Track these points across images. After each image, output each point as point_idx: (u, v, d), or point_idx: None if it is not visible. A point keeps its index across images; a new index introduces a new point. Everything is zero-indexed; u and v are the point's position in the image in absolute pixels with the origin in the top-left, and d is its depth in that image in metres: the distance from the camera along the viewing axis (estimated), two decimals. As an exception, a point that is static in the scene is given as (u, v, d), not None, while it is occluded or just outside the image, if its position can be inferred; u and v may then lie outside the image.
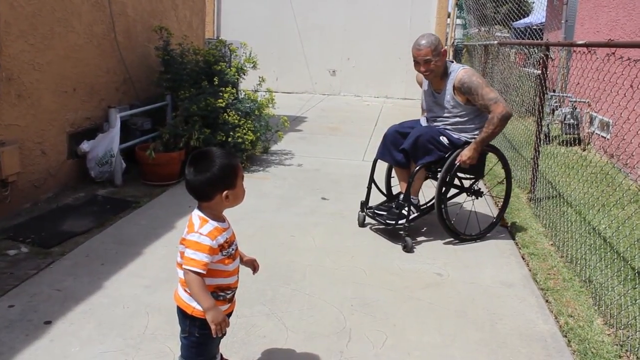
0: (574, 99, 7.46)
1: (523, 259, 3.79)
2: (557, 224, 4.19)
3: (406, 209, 4.00)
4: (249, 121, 5.74)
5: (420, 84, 4.28)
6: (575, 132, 7.41)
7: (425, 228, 4.28)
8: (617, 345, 2.73)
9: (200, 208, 2.06)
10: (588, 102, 7.04)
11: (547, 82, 4.94)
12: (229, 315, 2.15)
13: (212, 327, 1.98)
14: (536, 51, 7.29)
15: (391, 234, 4.08)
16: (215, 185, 1.99)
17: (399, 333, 2.78)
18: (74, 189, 4.89)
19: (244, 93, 6.21)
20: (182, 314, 2.09)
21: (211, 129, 5.42)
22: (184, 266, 1.97)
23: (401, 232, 3.90)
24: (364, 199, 4.31)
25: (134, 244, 3.75)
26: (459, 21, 13.89)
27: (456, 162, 3.87)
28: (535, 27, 11.48)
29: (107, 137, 4.98)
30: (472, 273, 3.53)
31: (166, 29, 5.96)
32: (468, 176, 4.29)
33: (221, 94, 5.56)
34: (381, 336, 2.75)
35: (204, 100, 5.44)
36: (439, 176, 3.97)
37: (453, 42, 12.92)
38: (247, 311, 2.91)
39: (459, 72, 3.88)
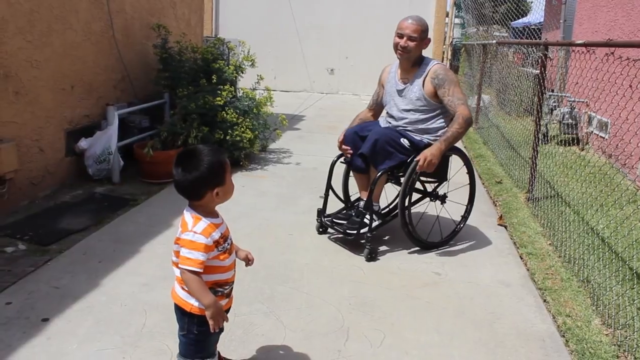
0: (573, 99, 7.47)
1: (521, 258, 3.79)
2: (555, 223, 4.19)
3: (368, 217, 3.73)
4: (247, 119, 5.73)
5: (382, 80, 4.04)
6: (574, 132, 7.42)
7: (423, 228, 4.27)
8: (615, 345, 2.73)
9: (191, 207, 2.05)
10: (586, 101, 7.04)
11: (545, 82, 4.94)
12: (227, 310, 2.15)
13: (211, 322, 1.98)
14: (535, 51, 7.29)
15: (353, 244, 3.80)
16: (205, 184, 1.98)
17: (397, 332, 2.78)
18: (71, 187, 4.88)
19: (242, 91, 6.21)
20: (180, 312, 2.09)
21: (209, 127, 5.41)
22: (180, 265, 1.96)
23: (362, 242, 3.65)
24: (320, 207, 4.03)
25: (131, 242, 3.74)
26: (457, 20, 13.90)
27: (417, 159, 3.50)
28: (533, 27, 11.48)
29: (105, 134, 4.97)
30: (470, 272, 3.53)
31: (164, 27, 5.95)
32: (431, 180, 4.03)
33: (219, 92, 5.55)
34: (379, 335, 2.74)
35: (202, 98, 5.43)
36: (401, 181, 3.70)
37: (451, 42, 12.92)
38: (246, 309, 2.91)
39: (434, 64, 3.73)
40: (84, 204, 4.48)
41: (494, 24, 11.07)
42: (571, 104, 7.51)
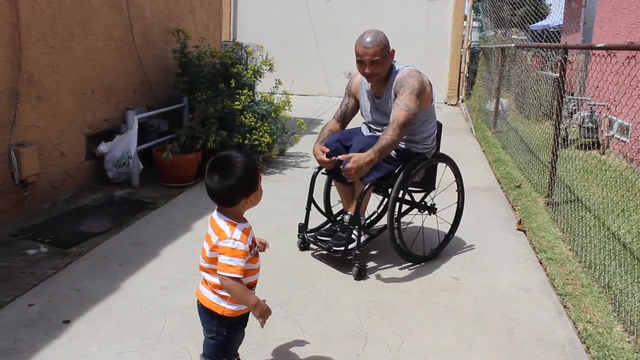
0: (593, 103, 7.39)
1: (540, 263, 3.75)
2: (576, 228, 4.15)
3: (355, 232, 3.48)
4: (266, 123, 5.76)
5: (353, 92, 3.71)
6: (594, 136, 7.34)
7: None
8: (637, 352, 2.69)
9: (222, 212, 2.06)
10: (607, 105, 6.97)
11: (565, 85, 4.90)
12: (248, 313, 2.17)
13: (261, 320, 2.06)
14: (554, 54, 7.23)
15: (339, 260, 3.55)
16: (240, 191, 2.02)
17: (416, 337, 2.77)
18: (91, 190, 4.93)
19: (260, 95, 6.23)
20: (210, 315, 2.09)
21: (228, 131, 5.44)
22: (220, 273, 1.97)
23: (350, 258, 3.44)
24: (302, 221, 3.79)
25: (150, 245, 3.77)
26: (475, 24, 13.81)
27: (345, 165, 3.19)
28: (552, 30, 11.38)
29: (125, 138, 5.02)
30: (489, 277, 3.50)
31: (183, 32, 6.00)
32: (417, 190, 3.83)
33: (238, 96, 5.58)
34: (397, 340, 2.73)
35: (220, 103, 5.46)
36: (389, 192, 3.51)
37: (469, 45, 12.85)
38: (264, 313, 2.91)
39: (403, 71, 3.42)
40: (104, 207, 4.53)
41: (513, 27, 10.99)
42: (591, 108, 7.44)
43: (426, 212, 3.83)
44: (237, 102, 5.50)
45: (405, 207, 3.70)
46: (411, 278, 3.45)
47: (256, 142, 5.52)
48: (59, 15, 4.49)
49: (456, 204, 4.00)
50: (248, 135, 5.50)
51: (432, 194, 3.89)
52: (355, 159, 3.16)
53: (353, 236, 3.47)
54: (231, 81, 5.71)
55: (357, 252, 3.40)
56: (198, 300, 2.14)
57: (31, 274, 3.25)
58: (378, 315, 2.96)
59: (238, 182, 1.99)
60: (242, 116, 5.55)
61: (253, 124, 5.57)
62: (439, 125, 3.79)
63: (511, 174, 5.98)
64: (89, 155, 5.00)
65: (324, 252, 3.62)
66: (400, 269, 3.57)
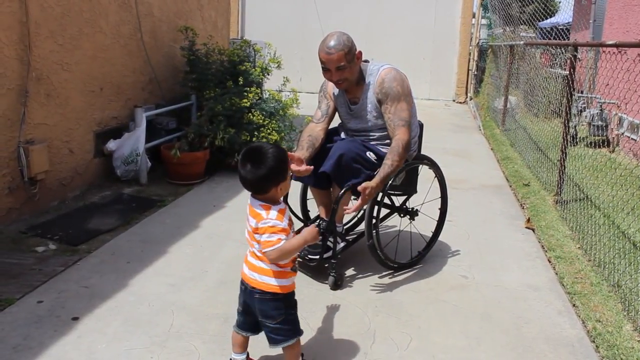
0: (602, 100, 7.35)
1: (549, 262, 3.73)
2: (585, 227, 4.12)
3: (331, 239, 3.25)
4: (274, 121, 5.75)
5: (329, 95, 3.49)
6: (603, 134, 7.30)
7: (444, 228, 4.24)
8: (647, 351, 2.67)
9: (256, 198, 2.20)
10: (617, 103, 6.92)
11: (574, 83, 4.87)
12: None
13: (318, 238, 2.23)
14: (563, 52, 7.19)
15: (315, 269, 3.36)
16: (271, 180, 2.14)
17: (424, 335, 2.76)
18: (100, 188, 4.95)
19: (268, 93, 6.23)
20: (274, 300, 2.19)
21: (236, 129, 5.44)
22: (264, 250, 2.11)
23: (326, 265, 3.26)
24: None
25: (159, 243, 3.78)
26: (483, 21, 13.75)
27: (360, 189, 2.99)
28: (561, 27, 11.33)
29: (133, 136, 5.04)
30: (498, 276, 3.49)
31: (191, 29, 6.00)
32: (397, 193, 3.66)
33: (246, 93, 5.58)
34: (406, 338, 2.73)
35: (228, 100, 5.46)
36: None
37: (478, 42, 12.80)
38: (271, 311, 2.91)
39: (380, 73, 3.22)
40: (112, 205, 4.54)
41: (521, 24, 10.94)
42: (601, 106, 7.40)
43: (407, 216, 3.63)
44: (245, 100, 5.50)
45: (384, 212, 3.58)
46: (419, 276, 3.44)
47: (264, 140, 5.52)
48: (68, 13, 4.51)
49: (439, 210, 3.77)
50: (256, 133, 5.50)
51: (425, 198, 3.77)
52: (365, 185, 2.96)
53: (329, 244, 3.23)
54: (239, 79, 5.71)
55: (332, 261, 3.20)
56: (254, 291, 2.20)
57: (40, 271, 3.26)
58: (386, 314, 2.96)
59: (269, 172, 2.12)
60: (250, 114, 5.55)
61: (261, 121, 5.57)
62: (421, 126, 3.61)
63: (520, 172, 5.96)
64: (97, 153, 5.02)
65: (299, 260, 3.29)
66: (407, 268, 3.56)
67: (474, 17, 12.88)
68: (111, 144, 5.02)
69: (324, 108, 3.48)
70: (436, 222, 3.78)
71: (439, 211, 3.77)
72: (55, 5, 4.33)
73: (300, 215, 3.81)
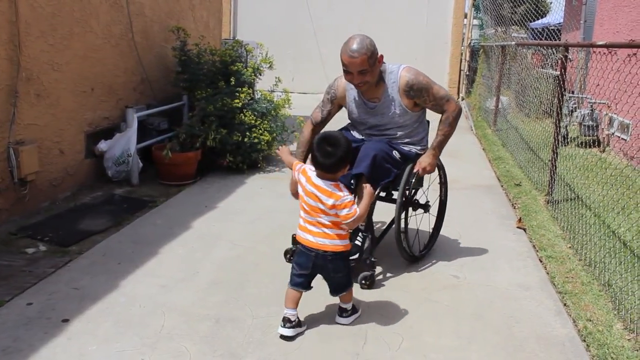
0: (593, 101, 7.38)
1: (540, 261, 3.74)
2: (576, 226, 4.14)
3: (360, 239, 3.30)
4: (265, 121, 5.75)
5: (339, 99, 3.49)
6: (594, 134, 7.33)
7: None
8: (637, 350, 2.68)
9: (322, 178, 2.64)
10: (607, 103, 6.96)
11: (565, 83, 4.89)
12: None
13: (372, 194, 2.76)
14: (555, 52, 7.22)
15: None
16: (345, 162, 2.65)
17: (416, 335, 2.77)
18: (91, 188, 4.93)
19: (260, 93, 6.22)
20: (340, 258, 2.71)
21: (227, 129, 5.43)
22: (346, 222, 2.62)
23: (367, 263, 3.27)
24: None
25: (150, 244, 3.76)
26: (475, 22, 13.79)
27: (416, 170, 3.34)
28: (552, 28, 11.37)
29: (124, 136, 5.02)
30: (489, 275, 3.50)
31: (183, 30, 5.99)
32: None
33: (237, 94, 5.57)
34: (397, 338, 2.73)
35: (220, 101, 5.45)
36: (394, 195, 3.46)
37: (470, 43, 12.83)
38: (264, 312, 2.91)
39: (400, 73, 3.29)
40: (103, 206, 4.52)
41: (513, 25, 10.98)
42: (591, 106, 7.43)
43: (421, 210, 3.70)
44: (236, 100, 5.50)
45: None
46: (411, 276, 3.44)
47: (256, 140, 5.51)
48: (59, 13, 4.48)
49: (439, 198, 3.85)
50: (248, 133, 5.50)
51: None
52: (419, 163, 3.37)
53: (357, 242, 3.28)
54: (231, 79, 5.70)
55: (373, 259, 3.30)
56: (327, 254, 2.66)
57: (30, 272, 3.24)
58: (378, 314, 2.96)
59: (345, 154, 2.61)
60: (241, 114, 5.54)
61: (253, 122, 5.56)
62: (428, 122, 3.69)
63: (511, 172, 5.98)
64: (88, 154, 5.00)
65: None
66: (400, 267, 3.56)
67: (465, 17, 12.92)
68: (102, 145, 5.00)
69: (326, 113, 3.52)
70: (437, 211, 3.91)
71: (439, 201, 3.86)
72: (45, 5, 4.31)
73: None
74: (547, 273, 3.55)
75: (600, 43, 4.05)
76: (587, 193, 4.88)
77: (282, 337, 2.67)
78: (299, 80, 12.90)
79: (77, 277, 3.23)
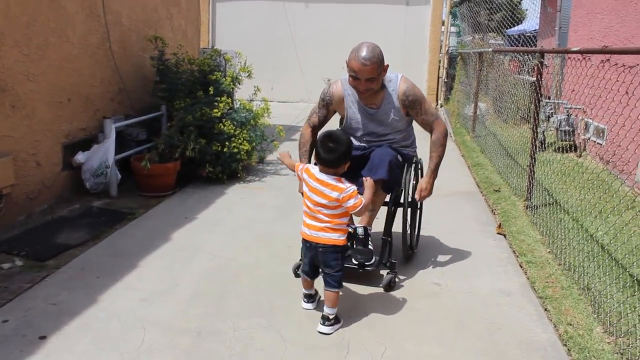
0: (569, 106, 7.48)
1: (521, 267, 3.77)
2: (555, 231, 4.18)
3: (383, 242, 3.45)
4: (245, 131, 5.72)
5: (334, 105, 3.54)
6: (571, 139, 7.42)
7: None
8: (617, 353, 2.71)
9: (327, 173, 2.84)
10: (583, 108, 7.05)
11: (541, 89, 4.94)
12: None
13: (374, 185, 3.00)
14: (531, 58, 7.31)
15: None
16: (347, 156, 2.85)
17: (398, 344, 2.76)
18: (68, 201, 4.86)
19: (239, 103, 6.20)
20: (336, 251, 2.86)
21: (207, 139, 5.40)
22: (353, 212, 2.85)
23: (388, 264, 3.41)
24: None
25: (129, 256, 3.72)
26: (453, 29, 13.91)
27: (417, 198, 3.55)
28: (529, 34, 11.52)
29: (102, 148, 4.96)
30: (470, 282, 3.51)
31: (161, 39, 5.95)
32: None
33: (216, 103, 5.55)
34: (380, 347, 2.72)
35: (199, 110, 5.42)
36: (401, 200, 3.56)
37: (447, 50, 12.94)
38: (245, 324, 2.89)
39: (399, 82, 3.39)
40: (82, 219, 4.46)
41: (490, 31, 11.10)
42: (568, 111, 7.53)
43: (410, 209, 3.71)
44: (215, 110, 5.47)
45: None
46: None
47: (235, 150, 5.49)
48: (34, 23, 4.43)
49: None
50: (227, 143, 5.47)
51: None
52: (419, 189, 3.54)
53: (370, 247, 3.30)
54: (210, 89, 5.68)
55: (393, 260, 3.43)
56: (322, 246, 2.84)
57: (6, 288, 3.18)
58: (360, 324, 2.95)
59: (344, 150, 2.82)
60: (221, 124, 5.51)
61: (232, 131, 5.54)
62: None
63: (490, 178, 6.02)
64: (65, 166, 4.93)
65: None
66: (381, 276, 3.56)
67: (443, 25, 13.02)
68: (80, 156, 4.94)
69: (322, 118, 3.61)
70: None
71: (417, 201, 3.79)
72: (20, 14, 4.25)
73: None
74: (528, 278, 3.58)
75: (575, 49, 4.11)
76: (565, 197, 4.94)
77: (306, 309, 3.04)
78: (279, 89, 12.91)
79: (55, 292, 3.17)
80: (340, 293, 2.92)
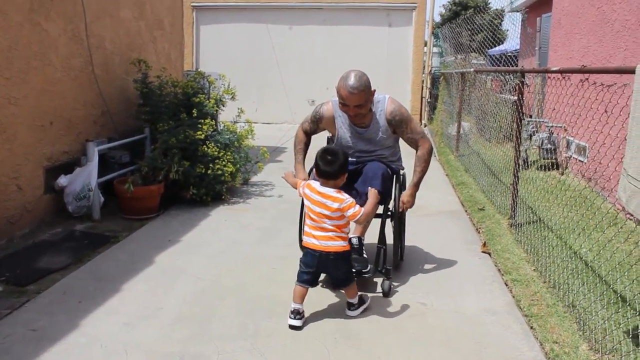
0: (551, 124, 7.57)
1: (506, 285, 3.77)
2: (539, 249, 4.20)
3: (378, 250, 3.70)
4: (229, 153, 5.71)
5: (324, 124, 3.78)
6: (553, 157, 7.50)
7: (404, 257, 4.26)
8: (603, 371, 2.71)
9: (327, 185, 3.10)
10: (564, 126, 7.14)
11: (523, 108, 5.00)
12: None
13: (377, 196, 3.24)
14: (512, 78, 7.41)
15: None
16: (344, 169, 3.13)
17: (384, 365, 2.74)
18: (51, 225, 4.80)
19: (223, 125, 6.20)
20: (342, 258, 3.14)
21: (190, 161, 5.38)
22: (355, 220, 3.11)
23: (384, 271, 3.62)
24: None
25: (112, 280, 3.67)
26: (435, 49, 14.08)
27: (401, 209, 3.73)
28: (510, 54, 11.69)
29: (85, 171, 4.92)
30: (456, 301, 3.50)
31: (144, 62, 5.95)
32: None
33: (200, 126, 5.54)
34: (366, 369, 2.70)
35: (182, 133, 5.41)
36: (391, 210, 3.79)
37: (430, 70, 13.09)
38: (229, 346, 2.85)
39: (386, 102, 3.62)
40: (64, 242, 4.41)
41: (472, 52, 11.25)
42: (549, 129, 7.61)
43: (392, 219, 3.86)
44: (199, 132, 5.46)
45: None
46: (378, 305, 3.42)
47: (219, 172, 5.47)
48: (15, 46, 4.41)
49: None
50: (211, 165, 5.45)
51: None
52: (402, 202, 3.73)
53: (365, 255, 3.56)
54: (193, 111, 5.68)
55: (388, 267, 3.66)
56: (333, 254, 3.08)
57: (-15, 314, 3.12)
58: (345, 345, 2.92)
59: (344, 161, 3.12)
60: (204, 146, 5.50)
61: (216, 153, 5.52)
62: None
63: (474, 197, 6.05)
64: (47, 189, 4.88)
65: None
66: (375, 283, 3.55)
67: (425, 45, 13.18)
68: (62, 180, 4.89)
69: (313, 129, 3.86)
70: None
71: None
72: (1, 38, 4.24)
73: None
74: (513, 296, 3.58)
75: (554, 69, 4.17)
76: (548, 215, 4.97)
77: (292, 327, 3.06)
78: (263, 111, 12.94)
79: (35, 317, 3.11)
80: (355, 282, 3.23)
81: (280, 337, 2.98)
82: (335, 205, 3.04)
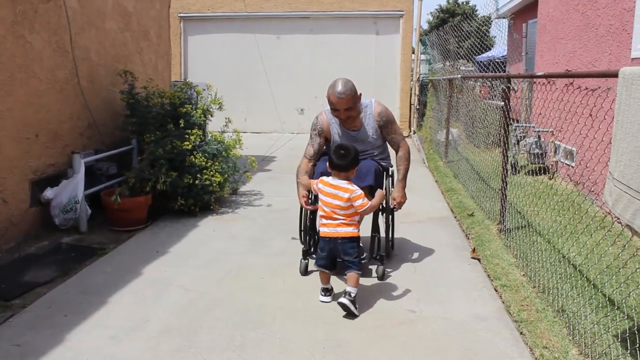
0: (538, 129, 7.59)
1: (496, 291, 3.76)
2: (528, 254, 4.19)
3: (372, 238, 4.14)
4: (217, 163, 5.69)
5: (325, 132, 4.09)
6: (541, 162, 7.52)
7: (392, 261, 4.24)
8: (593, 375, 2.70)
9: (338, 177, 3.47)
10: (551, 131, 7.17)
11: (510, 113, 5.01)
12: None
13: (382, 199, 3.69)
14: (498, 83, 7.44)
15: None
16: (356, 162, 3.51)
17: (374, 374, 2.72)
18: (37, 238, 4.75)
19: (210, 135, 6.17)
20: (355, 242, 3.46)
21: (178, 172, 5.35)
22: (361, 210, 3.42)
23: (378, 257, 4.00)
24: (305, 247, 4.05)
25: (99, 293, 3.63)
26: (423, 57, 14.13)
27: (393, 206, 4.09)
28: (498, 60, 11.76)
29: (71, 183, 4.88)
30: (446, 308, 3.49)
31: (131, 73, 5.93)
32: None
33: (187, 136, 5.51)
34: (355, 378, 2.67)
35: (169, 143, 5.38)
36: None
37: (419, 78, 13.13)
38: (217, 358, 2.82)
39: (374, 105, 4.07)
40: (50, 255, 4.36)
41: (460, 58, 11.30)
42: (537, 134, 7.64)
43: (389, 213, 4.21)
44: (186, 142, 5.44)
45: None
46: (367, 313, 3.40)
47: (207, 182, 5.44)
48: (-1, 60, 4.38)
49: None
50: (199, 175, 5.43)
51: None
52: (393, 199, 4.07)
53: (361, 244, 3.84)
54: (180, 121, 5.65)
55: (382, 253, 4.01)
56: (340, 238, 3.42)
57: (-31, 330, 3.07)
58: (334, 354, 2.90)
59: (355, 157, 3.47)
60: (192, 156, 5.47)
61: (204, 163, 5.50)
62: None
63: (464, 203, 6.05)
64: (34, 202, 4.84)
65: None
66: (369, 270, 3.55)
67: (413, 53, 13.22)
68: (48, 192, 4.85)
69: (316, 147, 4.10)
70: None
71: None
72: (-16, 52, 4.21)
73: (302, 239, 4.16)
74: (503, 302, 3.57)
75: (540, 74, 4.19)
76: (537, 220, 4.97)
77: (322, 301, 3.50)
78: (252, 120, 12.94)
79: (20, 332, 3.07)
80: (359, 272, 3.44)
81: (268, 348, 2.95)
82: (346, 195, 3.38)
